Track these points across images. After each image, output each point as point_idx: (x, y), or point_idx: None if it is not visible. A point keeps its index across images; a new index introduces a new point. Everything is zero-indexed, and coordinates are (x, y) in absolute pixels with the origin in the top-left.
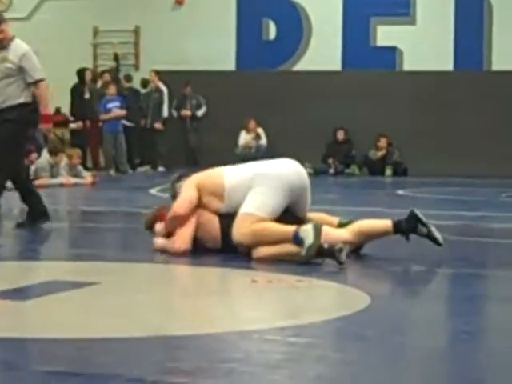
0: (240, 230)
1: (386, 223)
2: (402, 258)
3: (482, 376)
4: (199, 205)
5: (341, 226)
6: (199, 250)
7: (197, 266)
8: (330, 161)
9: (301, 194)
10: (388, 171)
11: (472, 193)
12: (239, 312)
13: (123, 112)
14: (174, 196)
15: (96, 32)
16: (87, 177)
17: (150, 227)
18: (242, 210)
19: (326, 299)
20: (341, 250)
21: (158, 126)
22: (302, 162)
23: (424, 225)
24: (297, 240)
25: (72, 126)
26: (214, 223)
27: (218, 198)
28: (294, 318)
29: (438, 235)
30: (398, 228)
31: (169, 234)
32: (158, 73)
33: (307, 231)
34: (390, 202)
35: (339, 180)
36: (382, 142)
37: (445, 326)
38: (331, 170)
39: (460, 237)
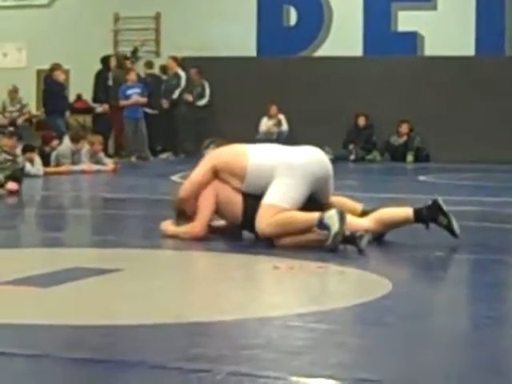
0: (264, 221)
1: (406, 212)
2: (423, 244)
3: (505, 362)
4: (220, 180)
5: (364, 213)
6: (217, 237)
7: (218, 252)
8: (351, 147)
9: (324, 183)
10: (410, 157)
11: (493, 178)
12: (260, 298)
13: (143, 99)
14: None
15: (117, 18)
16: (109, 164)
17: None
18: (266, 200)
19: (347, 285)
20: (362, 237)
21: (165, 105)
22: (321, 147)
23: (445, 215)
24: (322, 226)
25: (98, 109)
26: (237, 202)
27: (238, 179)
28: (316, 304)
29: (456, 227)
30: (418, 216)
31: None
32: (175, 59)
33: (332, 218)
34: (412, 188)
35: (360, 166)
36: (404, 128)
37: (466, 311)
38: (352, 156)
39: (481, 223)
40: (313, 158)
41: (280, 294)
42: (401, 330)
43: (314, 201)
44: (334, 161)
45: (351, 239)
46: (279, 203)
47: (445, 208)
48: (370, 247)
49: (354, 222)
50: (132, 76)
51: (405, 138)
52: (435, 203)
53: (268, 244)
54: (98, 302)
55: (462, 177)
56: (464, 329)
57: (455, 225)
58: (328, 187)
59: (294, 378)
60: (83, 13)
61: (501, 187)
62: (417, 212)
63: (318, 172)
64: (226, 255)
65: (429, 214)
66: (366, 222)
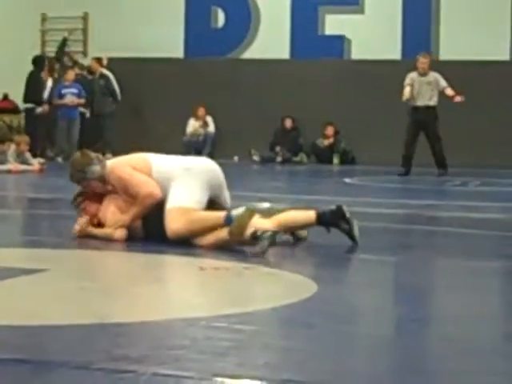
0: (174, 224)
1: (309, 215)
2: (348, 246)
3: (429, 363)
4: (113, 191)
5: (273, 213)
6: (141, 238)
7: (144, 252)
8: (278, 149)
9: (219, 190)
10: (336, 159)
11: (418, 181)
12: (186, 299)
13: (78, 100)
14: (81, 180)
15: (44, 19)
16: (35, 164)
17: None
18: (172, 204)
19: (273, 287)
20: (263, 236)
21: (106, 111)
22: (248, 149)
23: (347, 222)
24: (229, 221)
25: (39, 110)
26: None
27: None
28: (241, 305)
29: (356, 233)
30: (321, 220)
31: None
32: (99, 60)
33: (238, 211)
34: (338, 191)
35: (287, 168)
36: (329, 130)
37: (391, 313)
38: (279, 158)
39: (406, 225)
40: (207, 167)
41: (205, 295)
42: (326, 332)
43: (218, 204)
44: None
45: (255, 237)
46: (187, 204)
47: (348, 215)
48: (295, 249)
49: (259, 224)
50: (69, 75)
51: (331, 140)
52: (339, 209)
53: (193, 246)
54: (22, 302)
55: (388, 179)
56: (388, 330)
57: (356, 231)
58: (224, 193)
59: (219, 379)
60: (10, 13)
61: (425, 190)
62: (319, 215)
63: (212, 180)
64: (152, 256)
65: (331, 219)
66: (269, 224)
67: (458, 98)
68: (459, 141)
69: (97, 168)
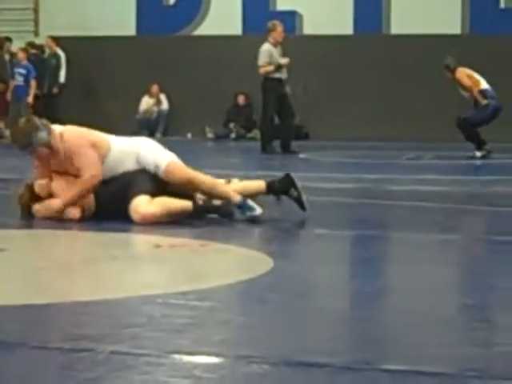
0: (187, 173)
1: (259, 184)
2: (304, 221)
3: (384, 335)
4: (66, 171)
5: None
6: (98, 217)
7: (100, 231)
8: (232, 125)
9: None
10: None
11: (373, 156)
12: (142, 277)
13: (18, 80)
14: (27, 146)
15: None
16: None
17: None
18: (163, 161)
19: (230, 263)
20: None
21: (55, 90)
22: (202, 126)
23: (296, 188)
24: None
25: None
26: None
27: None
28: (197, 282)
29: (305, 200)
30: (271, 189)
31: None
32: (54, 39)
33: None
34: (292, 166)
35: (241, 144)
36: None
37: (346, 287)
38: (233, 135)
39: (360, 199)
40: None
41: (161, 273)
42: (283, 307)
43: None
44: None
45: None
46: (172, 159)
47: (296, 181)
48: (251, 225)
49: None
50: (19, 55)
51: None
52: (288, 176)
53: (148, 222)
54: None
55: (342, 154)
56: (343, 304)
57: (304, 198)
58: None
59: (177, 356)
60: None
61: (380, 164)
62: (269, 184)
63: None
64: (107, 234)
65: (280, 187)
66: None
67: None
68: (416, 115)
69: (43, 134)
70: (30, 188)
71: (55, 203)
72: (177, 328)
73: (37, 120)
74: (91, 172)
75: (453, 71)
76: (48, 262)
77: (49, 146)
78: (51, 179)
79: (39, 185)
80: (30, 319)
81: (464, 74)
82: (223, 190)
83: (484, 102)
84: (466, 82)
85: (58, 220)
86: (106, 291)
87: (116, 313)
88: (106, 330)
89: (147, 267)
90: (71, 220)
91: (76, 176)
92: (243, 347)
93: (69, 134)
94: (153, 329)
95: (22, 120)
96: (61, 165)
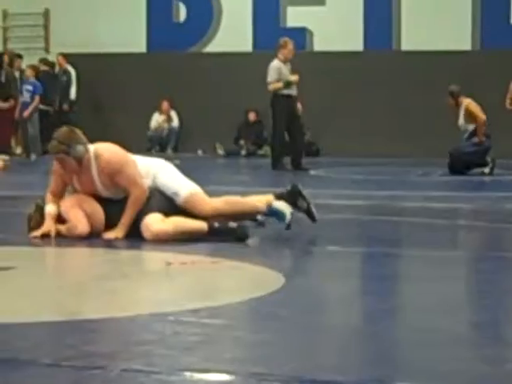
0: (205, 207)
1: (268, 197)
2: (316, 238)
3: (396, 353)
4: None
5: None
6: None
7: (110, 248)
8: (242, 142)
9: None
10: None
11: (384, 172)
12: (154, 294)
13: (25, 96)
14: (60, 153)
15: (5, 15)
16: None
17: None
18: (183, 192)
19: (241, 280)
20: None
21: (65, 107)
22: (213, 143)
23: (304, 199)
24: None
25: (3, 105)
26: (99, 211)
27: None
28: (209, 299)
29: (314, 211)
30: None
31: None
32: (65, 56)
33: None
34: (303, 183)
35: (251, 161)
36: None
37: (360, 304)
38: (243, 152)
39: (372, 216)
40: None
41: (173, 290)
42: (295, 324)
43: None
44: (225, 156)
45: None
46: (195, 190)
47: (303, 192)
48: (262, 241)
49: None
50: (27, 72)
51: None
52: (294, 188)
53: (160, 241)
54: None
55: (353, 171)
56: (358, 321)
57: (314, 209)
58: None
59: (188, 374)
60: None
61: (391, 180)
62: (277, 197)
63: None
64: (119, 252)
65: (289, 198)
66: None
67: None
68: (427, 131)
69: (82, 148)
70: (40, 209)
71: (114, 235)
72: (188, 345)
73: (80, 134)
74: (141, 188)
75: (456, 98)
76: (59, 279)
77: (80, 161)
78: (61, 196)
79: (51, 201)
80: (41, 337)
81: (472, 103)
82: (250, 206)
83: (483, 138)
84: (476, 110)
85: (68, 237)
86: (118, 309)
87: (127, 330)
88: (117, 348)
89: (159, 284)
90: (80, 237)
91: (94, 195)
92: (255, 365)
93: (110, 153)
94: (164, 346)
95: (66, 128)
96: (84, 183)
